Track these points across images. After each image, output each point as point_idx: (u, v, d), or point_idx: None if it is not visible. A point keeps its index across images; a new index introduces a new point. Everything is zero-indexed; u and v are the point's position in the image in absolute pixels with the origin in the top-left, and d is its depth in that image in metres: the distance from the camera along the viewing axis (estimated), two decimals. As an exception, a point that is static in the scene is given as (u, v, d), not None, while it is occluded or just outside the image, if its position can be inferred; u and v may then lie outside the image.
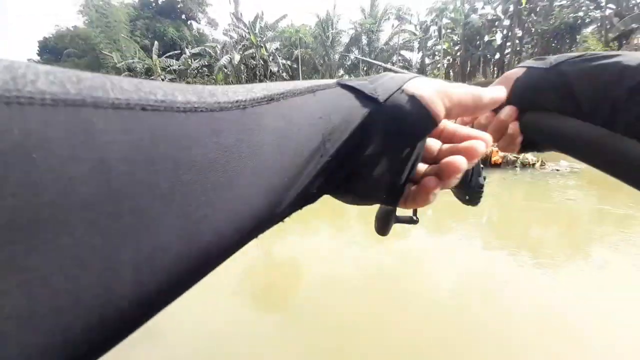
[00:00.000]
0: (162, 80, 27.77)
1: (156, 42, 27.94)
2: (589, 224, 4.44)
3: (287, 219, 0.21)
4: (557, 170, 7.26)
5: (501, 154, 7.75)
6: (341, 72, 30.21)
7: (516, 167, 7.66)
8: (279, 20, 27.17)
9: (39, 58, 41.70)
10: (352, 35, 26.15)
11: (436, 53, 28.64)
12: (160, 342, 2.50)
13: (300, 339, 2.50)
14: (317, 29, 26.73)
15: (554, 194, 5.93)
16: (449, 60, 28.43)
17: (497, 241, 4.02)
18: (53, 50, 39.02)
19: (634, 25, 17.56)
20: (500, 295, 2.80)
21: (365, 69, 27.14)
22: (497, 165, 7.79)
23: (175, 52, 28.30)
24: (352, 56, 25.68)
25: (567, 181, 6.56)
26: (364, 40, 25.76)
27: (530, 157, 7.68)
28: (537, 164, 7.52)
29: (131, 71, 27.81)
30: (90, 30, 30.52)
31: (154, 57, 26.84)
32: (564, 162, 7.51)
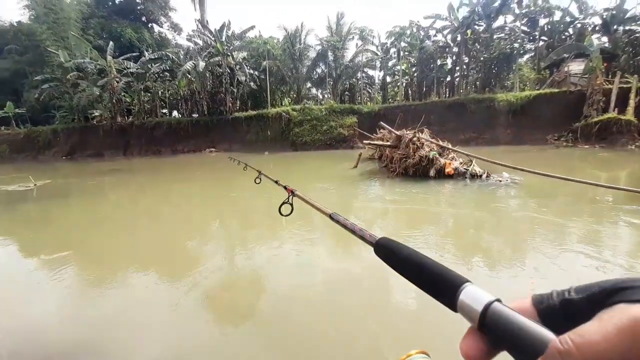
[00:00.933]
0: (118, 82, 26.10)
1: (111, 43, 26.20)
2: (521, 228, 5.09)
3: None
4: (500, 181, 8.18)
5: (453, 165, 8.55)
6: (309, 84, 30.92)
7: (466, 178, 8.48)
8: (246, 31, 27.22)
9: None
10: (319, 51, 27.10)
11: (396, 72, 30.76)
12: None
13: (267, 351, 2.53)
14: (285, 42, 27.23)
15: (496, 202, 6.68)
16: (407, 79, 30.70)
17: (450, 249, 4.42)
18: (-12, 45, 34.56)
19: (565, 55, 20.54)
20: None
21: (331, 83, 28.11)
22: (450, 176, 8.56)
23: (133, 54, 26.72)
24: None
25: (508, 191, 7.43)
26: (331, 56, 26.82)
27: (478, 169, 8.57)
28: (484, 175, 8.40)
29: (81, 71, 25.58)
30: (35, 26, 27.65)
31: (109, 58, 25.06)
32: (506, 174, 8.49)
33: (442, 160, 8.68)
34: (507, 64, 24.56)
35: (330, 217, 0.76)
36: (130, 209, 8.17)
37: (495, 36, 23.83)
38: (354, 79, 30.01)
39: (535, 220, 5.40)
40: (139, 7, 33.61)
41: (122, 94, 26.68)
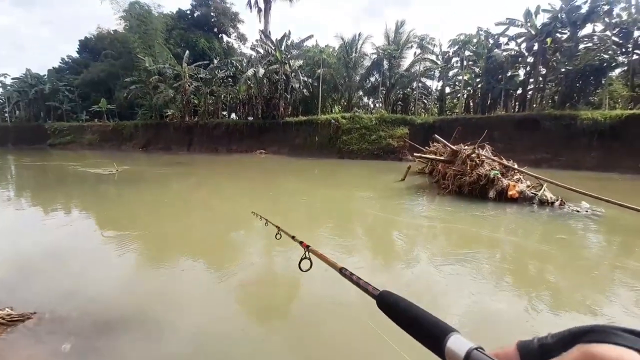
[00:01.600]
0: (189, 86, 29.12)
1: (187, 51, 29.54)
2: (598, 270, 4.14)
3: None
4: (577, 211, 6.95)
5: (519, 188, 7.54)
6: (360, 93, 30.72)
7: (533, 204, 7.39)
8: (304, 40, 28.26)
9: (77, 55, 44.68)
10: (374, 60, 26.78)
11: (457, 83, 28.81)
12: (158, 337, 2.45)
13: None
14: (340, 51, 27.55)
15: (569, 235, 5.63)
16: (469, 90, 28.56)
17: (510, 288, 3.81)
18: (92, 50, 41.72)
19: (666, 73, 17.10)
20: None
21: (384, 92, 27.53)
22: (513, 200, 7.55)
23: (204, 62, 29.70)
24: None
25: (586, 224, 6.25)
26: (386, 65, 26.30)
27: (549, 194, 7.42)
28: (557, 203, 7.23)
29: (161, 75, 29.30)
30: (129, 35, 32.59)
31: (184, 64, 28.28)
32: (585, 204, 7.19)
33: (505, 181, 7.71)
34: (595, 78, 21.24)
35: (340, 271, 0.79)
36: (187, 198, 8.95)
37: (581, 46, 20.85)
38: (408, 89, 28.95)
39: (617, 262, 4.42)
40: (212, 20, 37.32)
41: (192, 96, 29.78)
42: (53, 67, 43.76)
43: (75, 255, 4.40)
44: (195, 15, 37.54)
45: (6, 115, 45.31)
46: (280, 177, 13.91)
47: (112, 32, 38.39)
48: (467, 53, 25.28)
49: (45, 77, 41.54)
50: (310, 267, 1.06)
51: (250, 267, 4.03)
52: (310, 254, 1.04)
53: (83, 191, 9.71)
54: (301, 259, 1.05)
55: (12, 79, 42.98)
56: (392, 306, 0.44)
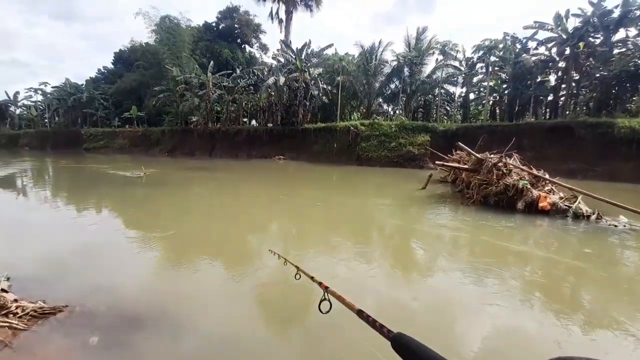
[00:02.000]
0: (213, 94, 30.13)
1: (212, 61, 30.83)
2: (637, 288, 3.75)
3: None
4: (615, 225, 6.42)
5: (551, 200, 7.09)
6: (380, 100, 30.53)
7: (567, 217, 6.91)
8: (324, 49, 28.64)
9: (112, 66, 47.81)
10: (394, 67, 26.58)
11: (481, 89, 27.93)
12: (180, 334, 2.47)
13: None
14: (360, 58, 27.61)
15: (606, 251, 5.19)
16: (495, 97, 27.57)
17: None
18: (126, 61, 44.50)
19: None
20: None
21: (404, 99, 27.19)
22: (544, 212, 7.10)
23: (228, 71, 30.83)
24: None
25: (624, 239, 5.75)
26: (406, 72, 26.01)
27: (584, 207, 6.92)
28: (593, 217, 6.72)
29: (187, 84, 30.73)
30: (159, 47, 34.53)
31: (209, 74, 29.52)
32: (623, 218, 6.64)
33: (536, 192, 7.29)
34: (632, 84, 19.88)
35: (358, 313, 0.82)
36: (208, 201, 9.22)
37: (615, 50, 19.67)
38: (430, 96, 28.41)
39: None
40: (236, 31, 38.78)
41: (215, 104, 30.93)
42: (90, 77, 47.09)
43: (103, 252, 4.62)
44: (220, 27, 39.17)
45: (46, 121, 49.01)
46: (297, 183, 13.97)
47: (144, 44, 40.81)
48: (492, 59, 24.50)
49: (83, 86, 44.69)
50: (330, 309, 1.03)
51: (264, 269, 4.05)
52: (329, 295, 1.05)
53: (113, 192, 10.22)
54: (321, 301, 1.04)
55: (52, 87, 46.55)
56: (405, 348, 0.49)
